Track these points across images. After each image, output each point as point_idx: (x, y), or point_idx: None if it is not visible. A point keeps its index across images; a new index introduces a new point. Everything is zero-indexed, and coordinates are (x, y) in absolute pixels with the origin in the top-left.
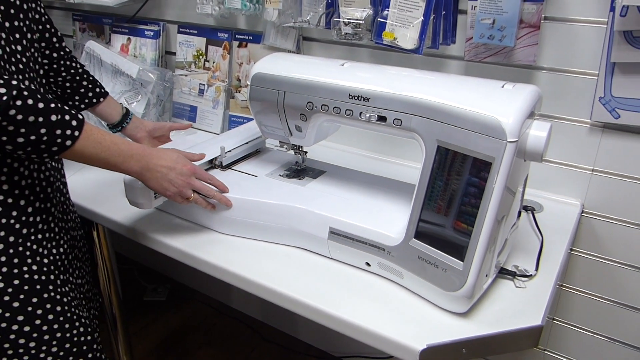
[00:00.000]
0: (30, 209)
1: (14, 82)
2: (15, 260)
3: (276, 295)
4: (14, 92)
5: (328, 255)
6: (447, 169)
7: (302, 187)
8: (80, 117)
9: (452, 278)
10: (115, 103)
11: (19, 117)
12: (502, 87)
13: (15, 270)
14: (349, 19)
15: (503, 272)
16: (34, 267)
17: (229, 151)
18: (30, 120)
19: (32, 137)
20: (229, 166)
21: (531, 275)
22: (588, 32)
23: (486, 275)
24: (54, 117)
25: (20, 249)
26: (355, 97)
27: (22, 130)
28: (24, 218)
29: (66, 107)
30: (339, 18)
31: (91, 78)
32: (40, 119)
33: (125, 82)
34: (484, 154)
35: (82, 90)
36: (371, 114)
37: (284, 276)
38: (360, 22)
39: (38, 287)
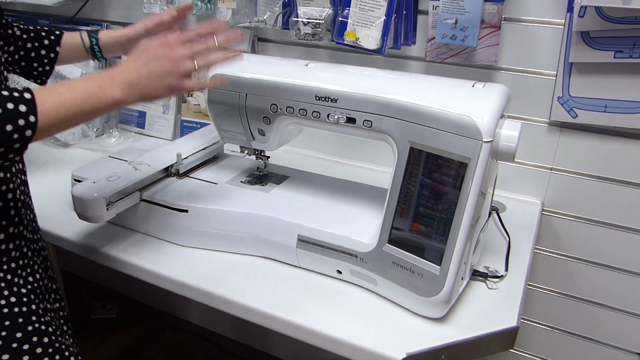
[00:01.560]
0: (2, 236)
1: None
2: None
3: (244, 310)
4: None
5: (297, 265)
6: (421, 170)
7: (266, 194)
8: (27, 96)
9: (429, 283)
10: (72, 46)
11: None
12: (473, 86)
13: None
14: (308, 18)
15: (475, 274)
16: (12, 299)
17: (186, 158)
18: None
19: None
20: (186, 174)
21: (502, 275)
22: (546, 32)
23: (462, 279)
24: None
25: None
26: (322, 98)
27: None
28: None
29: (3, 92)
30: (297, 18)
31: (36, 45)
32: None
33: None
34: (459, 154)
35: (36, 64)
36: (339, 116)
37: (252, 288)
38: (320, 22)
39: (20, 320)
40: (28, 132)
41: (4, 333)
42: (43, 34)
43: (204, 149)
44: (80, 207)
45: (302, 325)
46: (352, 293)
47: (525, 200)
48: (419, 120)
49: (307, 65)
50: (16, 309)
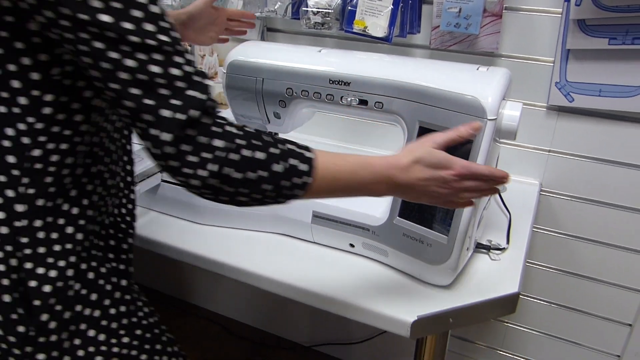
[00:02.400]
0: (125, 246)
1: (232, 129)
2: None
3: (263, 280)
4: (234, 144)
5: (311, 240)
6: None
7: None
8: (308, 155)
9: (437, 252)
10: None
11: (236, 175)
12: (477, 69)
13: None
14: (318, 8)
15: (479, 247)
16: (144, 299)
17: None
18: (251, 177)
19: (256, 196)
20: None
21: (504, 248)
22: (545, 21)
23: (467, 249)
24: (277, 167)
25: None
26: (336, 82)
27: (243, 190)
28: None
29: (288, 145)
30: (307, 7)
31: None
32: (263, 174)
33: None
34: None
35: None
36: (352, 98)
37: (269, 261)
38: (330, 11)
39: (151, 320)
40: (298, 192)
41: (138, 332)
42: None
43: None
44: None
45: (319, 293)
46: (365, 265)
47: (525, 181)
48: (428, 101)
49: (320, 52)
50: (146, 309)
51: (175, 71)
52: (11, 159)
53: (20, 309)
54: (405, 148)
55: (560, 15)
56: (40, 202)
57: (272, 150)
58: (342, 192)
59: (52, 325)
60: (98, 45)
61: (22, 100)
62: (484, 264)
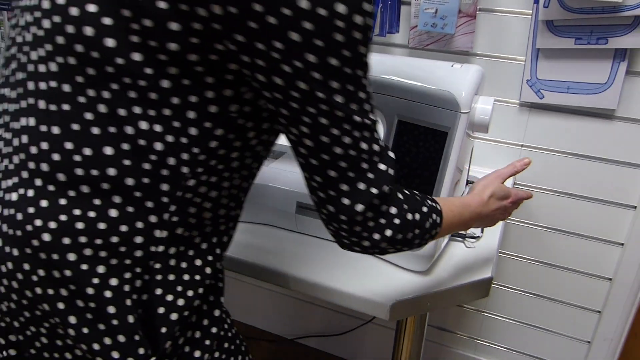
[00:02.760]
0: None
1: (399, 194)
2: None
3: (248, 268)
4: (403, 210)
5: (295, 229)
6: (408, 140)
7: (266, 167)
8: (439, 207)
9: None
10: None
11: (399, 237)
12: (452, 66)
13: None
14: None
15: (454, 235)
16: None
17: None
18: (409, 236)
19: (404, 248)
20: None
21: (478, 237)
22: (516, 21)
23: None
24: (427, 224)
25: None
26: None
27: (398, 246)
28: None
29: (428, 200)
30: None
31: None
32: (417, 232)
33: None
34: (441, 124)
35: None
36: None
37: (254, 249)
38: None
39: (234, 330)
40: (430, 240)
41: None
42: None
43: None
44: None
45: (302, 278)
46: (347, 252)
47: None
48: (406, 96)
49: None
50: (229, 320)
51: (375, 147)
52: (165, 186)
53: (141, 331)
54: (480, 184)
55: (530, 17)
56: (179, 230)
57: (423, 209)
58: (448, 232)
59: (169, 350)
60: (323, 121)
61: (193, 131)
62: (460, 251)
